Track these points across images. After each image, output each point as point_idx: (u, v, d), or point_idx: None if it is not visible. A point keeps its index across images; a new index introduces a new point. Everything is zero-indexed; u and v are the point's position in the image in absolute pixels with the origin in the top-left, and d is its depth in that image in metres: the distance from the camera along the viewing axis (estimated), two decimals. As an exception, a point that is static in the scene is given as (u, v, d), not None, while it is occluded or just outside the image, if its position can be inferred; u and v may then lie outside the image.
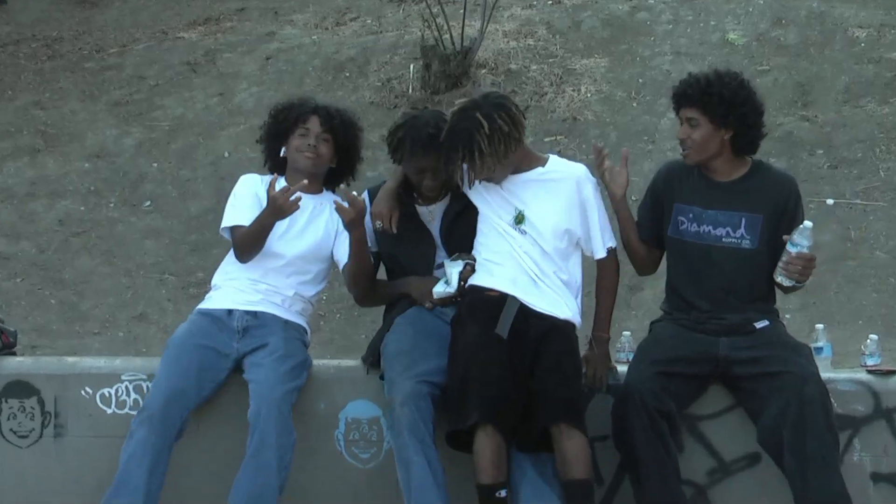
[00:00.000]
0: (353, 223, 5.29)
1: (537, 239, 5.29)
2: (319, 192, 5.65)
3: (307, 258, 5.57)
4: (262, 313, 5.48)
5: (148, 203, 11.28)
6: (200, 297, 5.77)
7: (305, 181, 5.36)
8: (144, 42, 13.91)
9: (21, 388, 5.68)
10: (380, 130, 10.32)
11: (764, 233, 5.24)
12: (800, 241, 5.10)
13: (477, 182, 5.32)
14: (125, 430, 5.28)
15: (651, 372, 5.15)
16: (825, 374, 5.22)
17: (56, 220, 11.14)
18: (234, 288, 5.54)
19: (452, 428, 5.15)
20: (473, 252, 5.38)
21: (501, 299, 5.21)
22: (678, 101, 5.31)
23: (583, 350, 5.35)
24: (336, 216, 5.40)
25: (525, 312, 5.20)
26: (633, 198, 5.66)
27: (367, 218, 5.40)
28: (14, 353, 5.94)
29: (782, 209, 5.26)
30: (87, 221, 11.10)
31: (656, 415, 5.09)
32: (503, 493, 5.07)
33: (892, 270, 9.54)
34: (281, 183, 5.51)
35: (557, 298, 5.28)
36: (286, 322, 5.50)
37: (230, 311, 5.48)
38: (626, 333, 5.91)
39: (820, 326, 5.83)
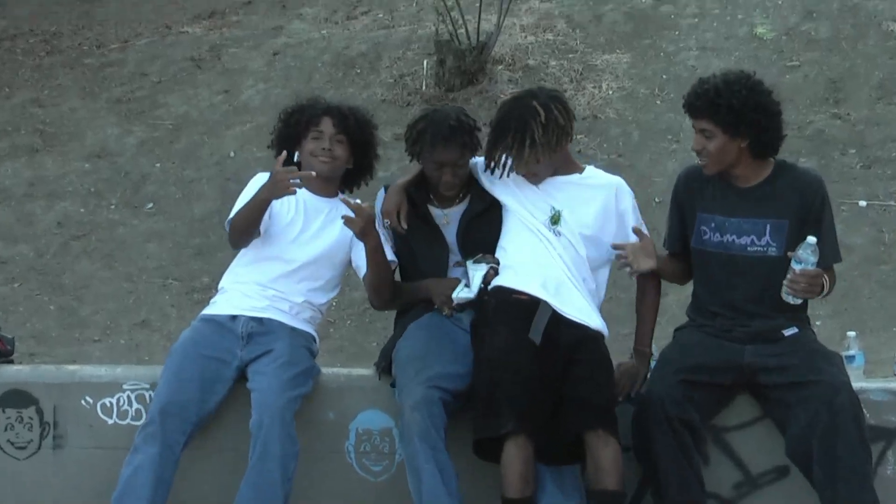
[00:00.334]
0: (364, 232, 5.32)
1: (573, 242, 5.33)
2: (334, 195, 5.65)
3: (319, 263, 5.57)
4: (268, 320, 5.49)
5: (150, 205, 11.31)
6: (205, 303, 5.78)
7: (314, 173, 5.39)
8: (147, 37, 13.94)
9: (19, 398, 5.70)
10: (392, 129, 10.38)
11: (790, 238, 5.23)
12: (804, 258, 5.10)
13: (508, 178, 5.38)
14: (127, 441, 5.30)
15: (674, 380, 5.15)
16: (857, 384, 5.21)
17: (55, 223, 11.17)
18: (240, 293, 5.55)
19: (482, 436, 5.14)
20: (497, 253, 5.41)
21: (533, 304, 5.23)
22: (689, 112, 5.32)
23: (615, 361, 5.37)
24: None
25: (557, 319, 5.22)
26: (657, 199, 5.66)
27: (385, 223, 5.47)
28: (11, 361, 5.96)
29: (808, 211, 5.26)
30: (87, 224, 11.13)
31: (679, 424, 5.10)
32: None
33: (928, 275, 9.53)
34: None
35: (588, 307, 5.32)
36: (293, 329, 5.50)
37: (234, 317, 5.50)
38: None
39: (852, 334, 5.83)
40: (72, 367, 6.05)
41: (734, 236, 5.28)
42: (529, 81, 11.81)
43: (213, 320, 5.52)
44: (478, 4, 12.09)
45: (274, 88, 12.49)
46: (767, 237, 5.26)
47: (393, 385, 5.36)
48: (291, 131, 5.68)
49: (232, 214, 5.54)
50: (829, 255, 5.28)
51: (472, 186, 5.55)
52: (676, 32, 12.48)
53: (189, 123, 12.30)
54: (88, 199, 11.42)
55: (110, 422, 5.64)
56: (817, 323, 7.18)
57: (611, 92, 11.81)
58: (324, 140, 5.59)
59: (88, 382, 5.71)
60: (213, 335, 5.46)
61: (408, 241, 5.51)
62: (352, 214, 5.28)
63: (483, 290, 5.32)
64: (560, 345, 5.17)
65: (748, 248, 5.27)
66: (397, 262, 5.57)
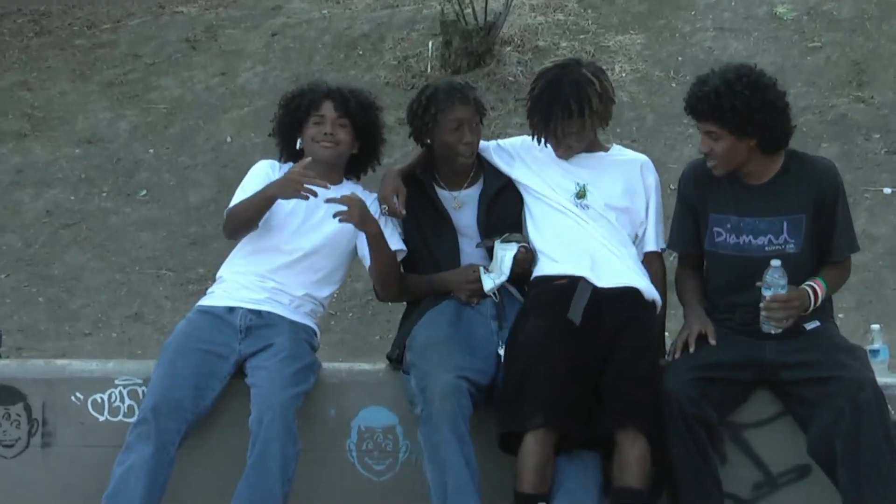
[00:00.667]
0: (362, 220, 5.33)
1: (603, 213, 5.37)
2: (339, 182, 5.64)
3: (322, 253, 5.56)
4: (268, 313, 5.48)
5: (144, 192, 11.32)
6: (200, 295, 5.78)
7: (329, 186, 5.37)
8: (140, 17, 13.95)
9: (6, 394, 5.68)
10: (396, 113, 10.33)
11: (808, 232, 5.23)
12: (773, 282, 5.09)
13: (527, 156, 5.47)
14: (119, 439, 5.30)
15: (689, 377, 5.14)
16: (882, 379, 5.20)
17: (44, 211, 11.19)
18: (238, 283, 5.55)
19: (508, 430, 5.14)
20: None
21: (571, 285, 5.24)
22: (691, 114, 5.31)
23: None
24: None
25: (598, 297, 5.22)
26: (672, 186, 5.65)
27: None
28: (-2, 356, 5.98)
29: (822, 202, 5.25)
30: (78, 212, 11.14)
31: (694, 422, 5.09)
32: None
33: (955, 266, 9.52)
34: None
35: (629, 270, 5.34)
36: (293, 323, 5.50)
37: (232, 309, 5.49)
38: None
39: (876, 327, 5.84)
40: (61, 362, 6.06)
41: (750, 237, 5.28)
42: (539, 63, 11.71)
43: (210, 312, 5.51)
44: (486, -17, 12.09)
45: (272, 71, 12.50)
46: (785, 234, 5.26)
47: (406, 372, 5.35)
48: (292, 117, 5.67)
49: (232, 204, 5.54)
50: (844, 245, 5.30)
51: (482, 167, 5.57)
52: (693, 12, 12.47)
53: (184, 107, 12.31)
54: (79, 186, 11.44)
55: (101, 419, 5.63)
56: (840, 315, 7.16)
57: (624, 74, 11.80)
58: (325, 124, 5.58)
59: (79, 378, 5.70)
60: (209, 328, 5.46)
61: (417, 227, 5.51)
62: (343, 208, 5.29)
63: (514, 272, 5.33)
64: (604, 324, 5.18)
65: (766, 248, 5.26)
66: (406, 251, 5.56)
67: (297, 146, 5.63)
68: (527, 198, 5.50)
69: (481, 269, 5.40)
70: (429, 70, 12.07)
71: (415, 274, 5.58)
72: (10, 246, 10.78)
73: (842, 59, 11.55)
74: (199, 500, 5.54)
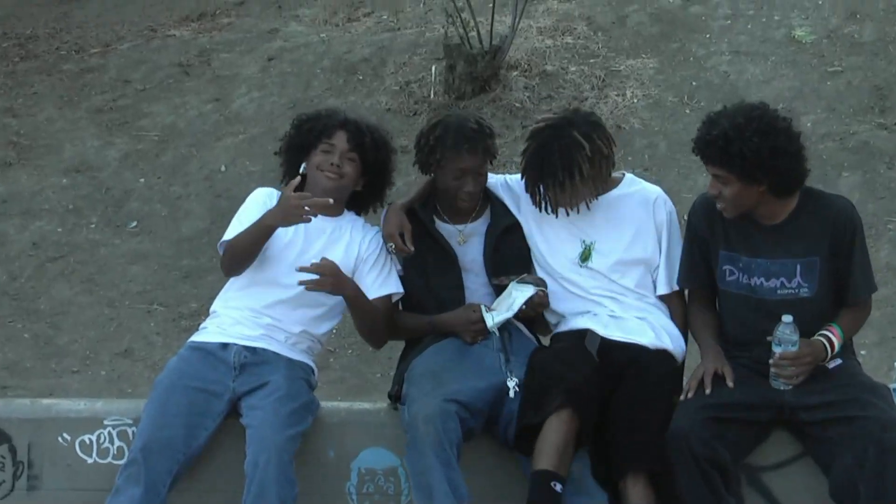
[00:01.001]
0: (336, 286, 5.36)
1: (607, 274, 5.44)
2: (340, 213, 5.66)
3: (323, 288, 5.57)
4: (263, 350, 5.48)
5: (134, 223, 11.32)
6: (193, 331, 5.78)
7: (331, 200, 5.38)
8: (130, 41, 13.98)
9: (-10, 435, 5.71)
10: (397, 140, 10.32)
11: (823, 275, 5.26)
12: (784, 338, 5.13)
13: (530, 205, 5.51)
14: (108, 482, 5.30)
15: (701, 417, 5.13)
16: (907, 419, 5.20)
17: (30, 243, 11.18)
18: (231, 319, 5.55)
19: (528, 422, 5.17)
20: None
21: (581, 332, 5.39)
22: (700, 158, 5.32)
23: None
24: (360, 241, 5.51)
25: (607, 343, 5.34)
26: (686, 217, 5.66)
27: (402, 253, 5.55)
28: (-18, 395, 5.98)
29: (838, 243, 5.27)
30: (65, 244, 11.14)
31: (707, 465, 5.08)
32: (559, 487, 5.07)
33: (983, 300, 9.51)
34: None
35: (640, 326, 5.42)
36: (289, 360, 5.50)
37: (225, 345, 5.49)
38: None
39: (900, 364, 5.82)
40: (48, 401, 6.06)
41: (762, 279, 5.29)
42: (547, 89, 11.83)
43: (203, 348, 5.52)
44: (490, 5, 12.11)
45: (269, 97, 12.51)
46: (798, 278, 5.27)
47: (403, 403, 5.37)
48: (303, 140, 5.68)
49: (228, 236, 5.53)
50: (861, 287, 5.32)
51: (489, 199, 5.58)
52: (707, 35, 12.49)
53: (176, 135, 12.32)
54: (66, 217, 11.44)
55: (90, 461, 5.63)
56: (862, 352, 7.17)
57: (636, 100, 11.81)
58: (334, 154, 5.59)
59: (66, 418, 5.70)
60: (201, 365, 5.46)
61: (418, 262, 5.51)
62: (312, 276, 5.31)
63: (521, 311, 5.37)
64: (614, 362, 5.28)
65: (778, 292, 5.28)
66: (402, 293, 5.57)
67: (301, 170, 5.63)
68: (533, 251, 5.57)
69: (482, 307, 5.42)
70: (432, 96, 12.08)
71: (414, 314, 5.59)
72: (-6, 279, 10.79)
73: (863, 83, 11.55)
74: (191, 545, 5.54)
